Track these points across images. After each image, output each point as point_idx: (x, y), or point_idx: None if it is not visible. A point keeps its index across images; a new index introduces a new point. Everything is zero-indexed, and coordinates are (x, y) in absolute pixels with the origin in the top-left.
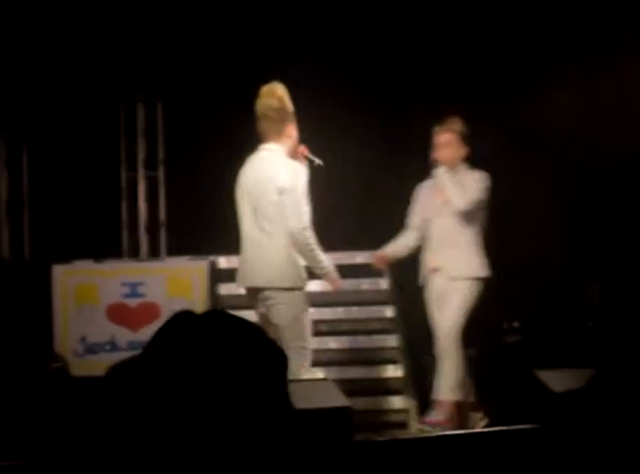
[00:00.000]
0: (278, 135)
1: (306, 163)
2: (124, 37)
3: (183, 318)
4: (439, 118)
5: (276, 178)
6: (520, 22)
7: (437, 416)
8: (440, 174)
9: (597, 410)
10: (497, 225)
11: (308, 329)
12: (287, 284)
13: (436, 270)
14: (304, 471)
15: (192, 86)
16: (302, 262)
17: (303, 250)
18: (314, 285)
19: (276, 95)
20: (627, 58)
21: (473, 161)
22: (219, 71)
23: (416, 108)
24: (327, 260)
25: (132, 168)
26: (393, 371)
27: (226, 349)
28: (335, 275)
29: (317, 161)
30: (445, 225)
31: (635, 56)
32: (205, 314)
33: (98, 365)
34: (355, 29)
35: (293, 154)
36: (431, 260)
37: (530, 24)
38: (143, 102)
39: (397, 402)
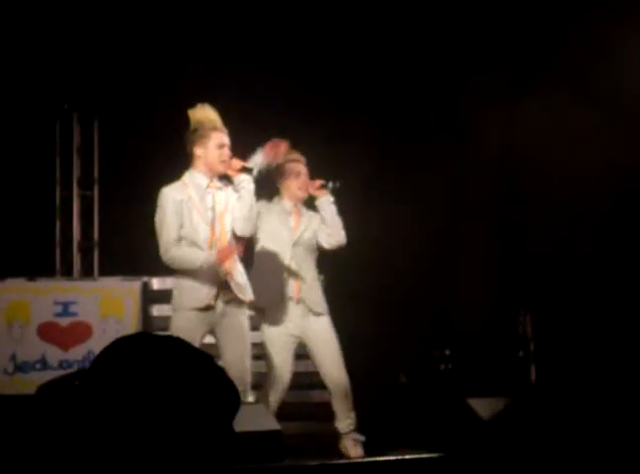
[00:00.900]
0: None
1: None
2: (60, 54)
3: (136, 338)
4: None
5: None
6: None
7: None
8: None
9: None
10: (432, 254)
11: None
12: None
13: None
14: None
15: (128, 104)
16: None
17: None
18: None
19: None
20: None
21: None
22: (156, 90)
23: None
24: (197, 256)
25: (67, 186)
26: (327, 396)
27: (175, 371)
28: (215, 255)
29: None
30: None
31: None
32: (160, 337)
33: (28, 384)
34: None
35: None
36: None
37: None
38: (79, 120)
39: (329, 427)
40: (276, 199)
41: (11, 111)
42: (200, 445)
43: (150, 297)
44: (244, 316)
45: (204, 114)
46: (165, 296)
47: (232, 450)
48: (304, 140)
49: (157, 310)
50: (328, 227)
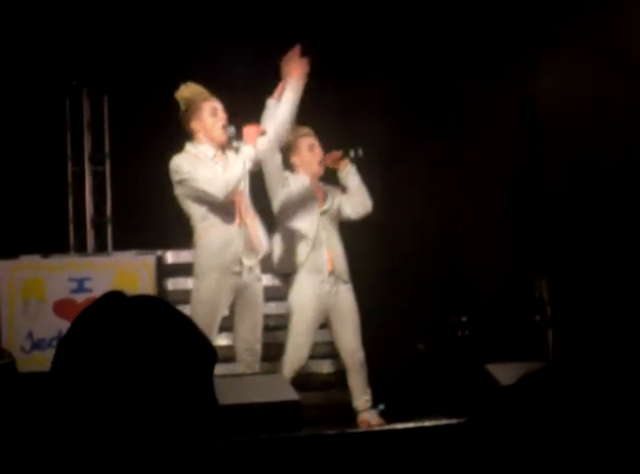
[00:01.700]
0: None
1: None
2: (69, 29)
3: (111, 299)
4: None
5: None
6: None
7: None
8: None
9: (545, 402)
10: (449, 220)
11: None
12: None
13: None
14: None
15: (137, 79)
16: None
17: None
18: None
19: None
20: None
21: None
22: (165, 64)
23: None
24: (237, 166)
25: (78, 162)
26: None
27: (152, 333)
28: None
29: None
30: None
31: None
32: (135, 297)
33: (45, 361)
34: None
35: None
36: None
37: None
38: (89, 96)
39: (347, 396)
40: (291, 176)
41: (20, 88)
42: (180, 407)
43: (165, 271)
44: (261, 287)
45: (190, 90)
46: (180, 270)
47: (213, 417)
48: (317, 109)
49: (172, 284)
50: (355, 197)
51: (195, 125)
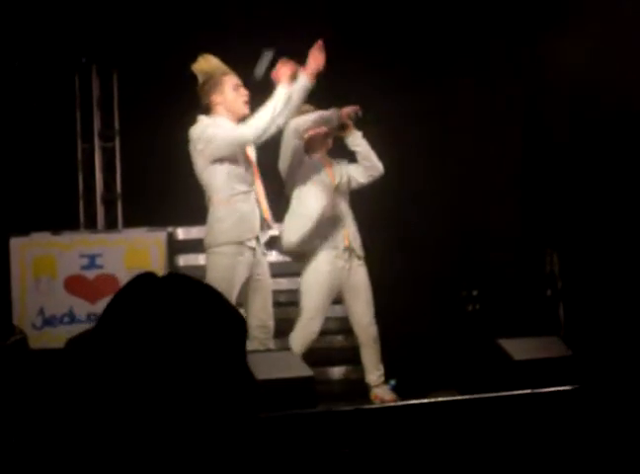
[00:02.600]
0: None
1: None
2: (78, 6)
3: (143, 280)
4: None
5: None
6: None
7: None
8: None
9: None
10: (458, 194)
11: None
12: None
13: None
14: (266, 441)
15: (146, 56)
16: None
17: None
18: (272, 256)
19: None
20: None
21: None
22: (173, 40)
23: None
24: (268, 108)
25: (88, 139)
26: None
27: (188, 311)
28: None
29: None
30: None
31: None
32: (166, 277)
33: (57, 338)
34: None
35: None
36: None
37: None
38: (98, 73)
39: (361, 372)
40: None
41: (30, 66)
42: (216, 385)
43: (176, 247)
44: (267, 262)
45: (209, 63)
46: (191, 246)
47: (251, 391)
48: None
49: (183, 260)
50: (366, 161)
51: (215, 98)
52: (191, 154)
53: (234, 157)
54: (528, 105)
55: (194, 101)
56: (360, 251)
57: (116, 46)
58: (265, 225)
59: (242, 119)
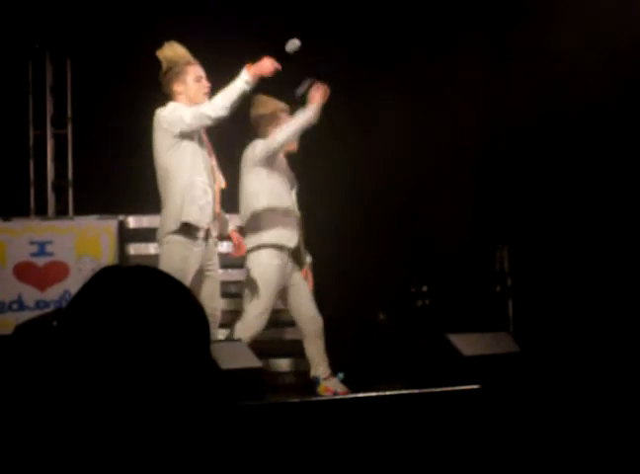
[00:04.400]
0: None
1: None
2: None
3: (110, 272)
4: None
5: None
6: None
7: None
8: None
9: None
10: (409, 189)
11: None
12: None
13: None
14: (216, 431)
15: (100, 42)
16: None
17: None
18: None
19: None
20: None
21: None
22: (128, 27)
23: None
24: (233, 86)
25: (40, 126)
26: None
27: (153, 303)
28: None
29: None
30: None
31: None
32: (132, 268)
33: (5, 324)
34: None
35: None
36: None
37: None
38: (51, 59)
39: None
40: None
41: None
42: (183, 377)
43: (127, 236)
44: (217, 254)
45: (174, 51)
46: (142, 235)
47: (217, 381)
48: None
49: (134, 249)
50: None
51: (177, 88)
52: (153, 136)
53: (196, 138)
54: (484, 101)
55: (147, 88)
56: (305, 255)
57: (69, 33)
58: (216, 216)
59: None
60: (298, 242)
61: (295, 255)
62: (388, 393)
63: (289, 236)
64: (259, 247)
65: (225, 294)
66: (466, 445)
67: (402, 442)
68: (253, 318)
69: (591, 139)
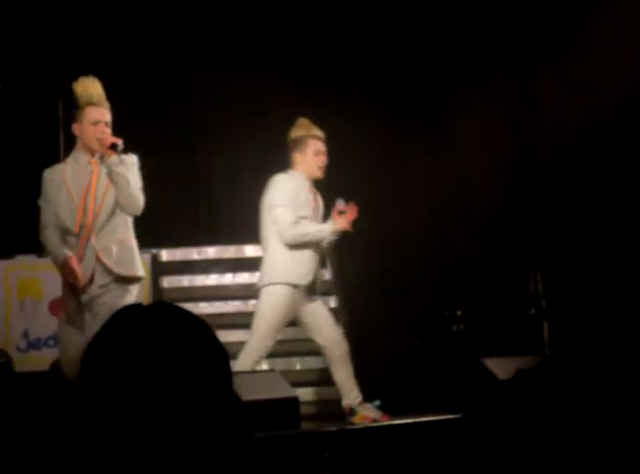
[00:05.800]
0: None
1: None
2: (62, 29)
3: (130, 311)
4: None
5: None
6: None
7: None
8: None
9: (541, 396)
10: (442, 215)
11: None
12: None
13: None
14: (249, 462)
15: (131, 81)
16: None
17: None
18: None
19: None
20: None
21: None
22: (158, 64)
23: None
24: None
25: None
26: None
27: (173, 340)
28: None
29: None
30: None
31: None
32: (151, 306)
33: (41, 361)
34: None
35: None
36: None
37: None
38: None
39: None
40: (290, 172)
41: (13, 89)
42: (203, 411)
43: (160, 269)
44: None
45: (83, 87)
46: (174, 268)
47: (240, 415)
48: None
49: (167, 282)
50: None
51: (75, 130)
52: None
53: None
54: (513, 126)
55: (179, 128)
56: (320, 287)
57: (100, 71)
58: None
59: (94, 155)
60: (314, 276)
61: (311, 286)
62: (424, 419)
63: (304, 273)
64: (270, 283)
65: (247, 325)
66: (505, 468)
67: (442, 469)
68: (254, 344)
69: (624, 164)
